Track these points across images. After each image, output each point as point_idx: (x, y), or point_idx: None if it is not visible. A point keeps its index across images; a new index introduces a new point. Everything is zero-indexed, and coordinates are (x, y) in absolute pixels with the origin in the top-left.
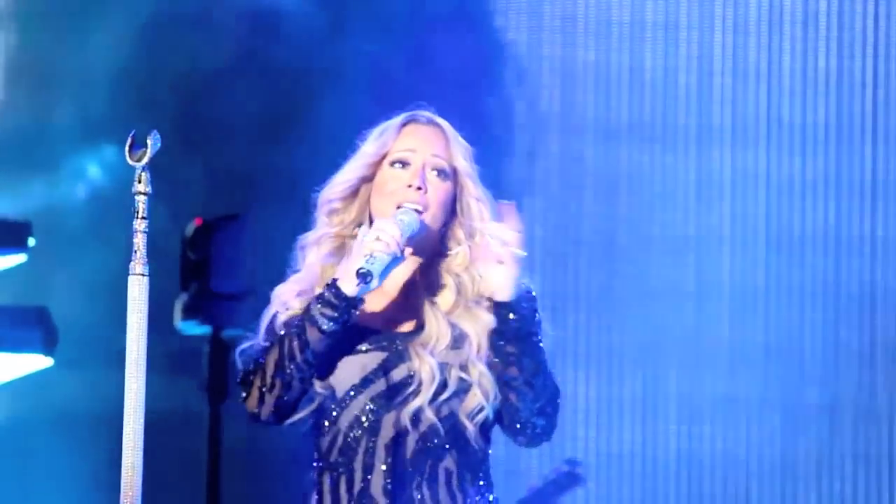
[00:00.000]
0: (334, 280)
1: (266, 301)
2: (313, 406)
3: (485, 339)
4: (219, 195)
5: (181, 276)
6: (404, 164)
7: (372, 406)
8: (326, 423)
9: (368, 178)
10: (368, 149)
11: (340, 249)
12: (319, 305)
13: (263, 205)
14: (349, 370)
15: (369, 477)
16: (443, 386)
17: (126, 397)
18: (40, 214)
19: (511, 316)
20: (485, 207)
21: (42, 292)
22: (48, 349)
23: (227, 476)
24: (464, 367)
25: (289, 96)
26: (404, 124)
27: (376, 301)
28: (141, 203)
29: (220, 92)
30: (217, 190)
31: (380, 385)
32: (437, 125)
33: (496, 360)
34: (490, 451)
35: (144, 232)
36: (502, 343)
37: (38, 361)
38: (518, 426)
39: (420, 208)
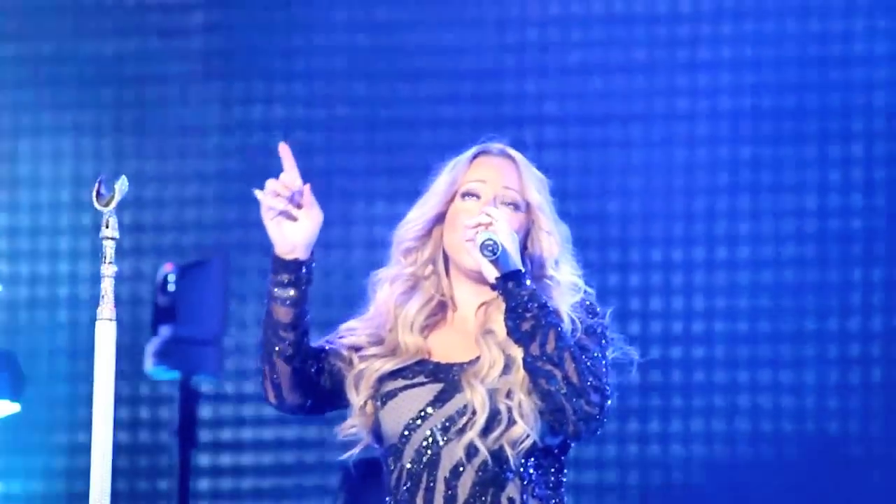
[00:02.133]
0: (272, 254)
1: (234, 347)
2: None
3: None
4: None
5: (151, 322)
6: (475, 195)
7: (431, 439)
8: (392, 460)
9: (441, 216)
10: (440, 185)
11: (413, 289)
12: (274, 286)
13: (233, 251)
14: (409, 404)
15: None
16: (495, 415)
17: (94, 443)
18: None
19: (511, 286)
20: (554, 241)
21: (8, 337)
22: (15, 394)
23: None
24: (509, 395)
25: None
26: (475, 156)
27: (439, 336)
28: (109, 248)
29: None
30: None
31: (437, 417)
32: (510, 157)
33: (516, 343)
34: (564, 480)
35: (112, 277)
36: (517, 322)
37: (4, 407)
38: (558, 412)
39: (490, 221)
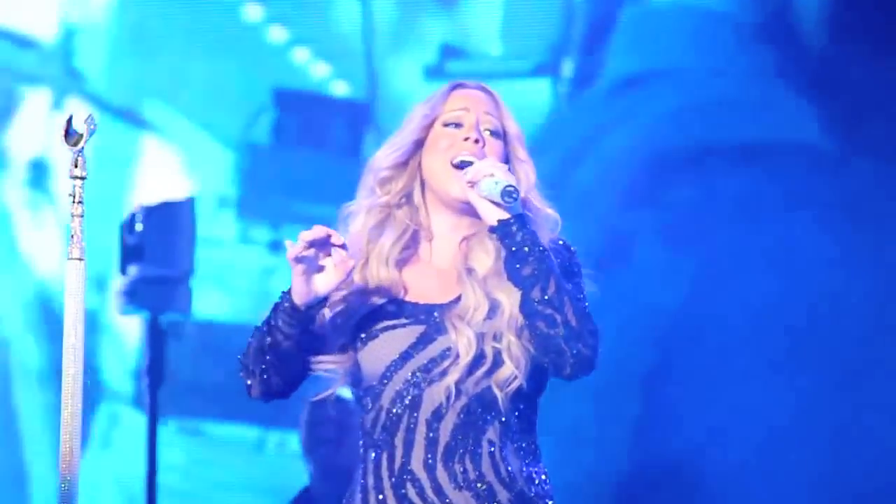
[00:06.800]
0: (288, 292)
1: (201, 284)
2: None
3: (517, 308)
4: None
5: (119, 262)
6: (458, 124)
7: (412, 381)
8: (370, 401)
9: (420, 143)
10: (416, 115)
11: (386, 221)
12: (279, 313)
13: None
14: (390, 345)
15: (410, 452)
16: (480, 358)
17: (63, 383)
18: None
19: (514, 229)
20: (530, 170)
21: None
22: None
23: (165, 461)
24: (496, 337)
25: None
26: (452, 89)
27: (415, 272)
28: (77, 187)
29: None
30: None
31: (419, 360)
32: (486, 90)
33: (517, 287)
34: (535, 420)
35: (81, 216)
36: (518, 266)
37: None
38: (555, 355)
39: (474, 160)
